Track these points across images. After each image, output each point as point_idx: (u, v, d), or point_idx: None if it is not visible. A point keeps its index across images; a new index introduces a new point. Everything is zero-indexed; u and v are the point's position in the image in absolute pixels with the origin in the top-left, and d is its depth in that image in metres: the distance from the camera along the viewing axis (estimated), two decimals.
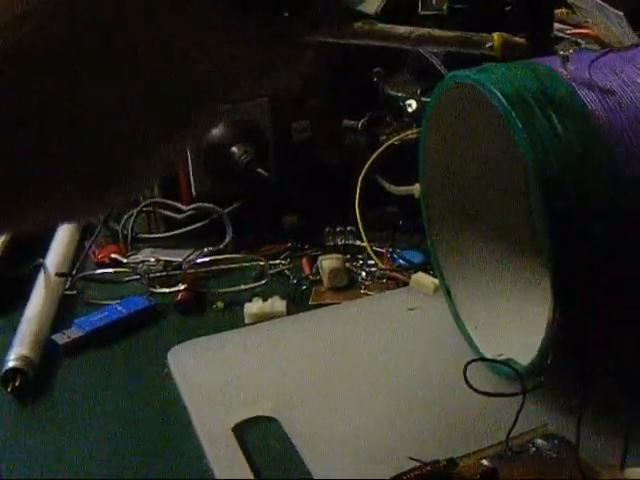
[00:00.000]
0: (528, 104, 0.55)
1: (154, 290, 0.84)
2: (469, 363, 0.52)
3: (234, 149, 0.87)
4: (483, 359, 0.54)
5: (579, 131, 0.54)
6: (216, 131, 0.88)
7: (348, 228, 0.86)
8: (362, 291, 0.81)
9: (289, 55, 0.40)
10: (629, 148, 0.54)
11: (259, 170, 0.86)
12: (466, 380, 0.51)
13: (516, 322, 0.65)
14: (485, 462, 0.57)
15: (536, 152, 0.53)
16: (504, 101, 0.55)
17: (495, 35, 0.52)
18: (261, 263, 0.83)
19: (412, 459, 0.50)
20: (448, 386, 0.59)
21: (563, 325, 0.53)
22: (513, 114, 0.54)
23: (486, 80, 0.57)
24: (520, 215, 0.67)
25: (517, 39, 0.53)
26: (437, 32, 0.49)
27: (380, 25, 0.46)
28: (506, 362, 0.54)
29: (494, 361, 0.54)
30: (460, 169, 0.68)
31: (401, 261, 0.83)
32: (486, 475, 0.51)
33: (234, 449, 0.62)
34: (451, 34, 0.50)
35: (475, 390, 0.51)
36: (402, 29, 0.48)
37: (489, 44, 0.54)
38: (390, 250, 0.84)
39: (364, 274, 0.83)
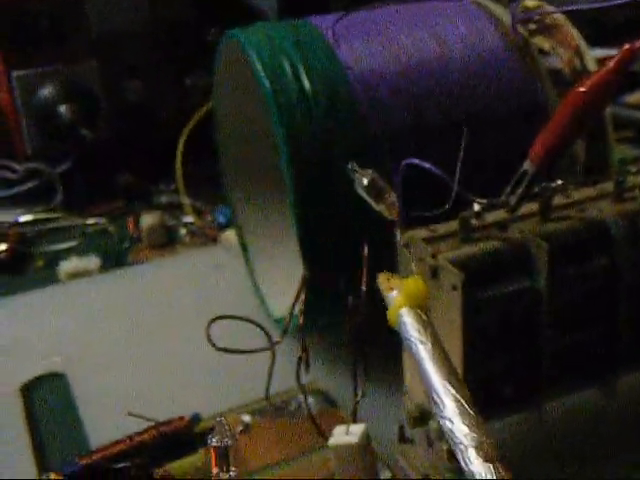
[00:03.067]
0: (280, 66, 0.55)
1: None
2: (213, 320, 0.52)
3: (61, 109, 0.87)
4: (227, 316, 0.54)
5: (328, 91, 0.55)
6: (45, 90, 0.88)
7: (172, 186, 0.86)
8: (180, 248, 0.81)
9: None
10: (376, 104, 0.55)
11: (82, 130, 0.85)
12: (208, 337, 0.51)
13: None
14: (246, 417, 0.58)
15: (281, 109, 0.53)
16: (257, 62, 0.55)
17: None
18: (83, 222, 0.83)
19: (133, 415, 0.50)
20: (228, 343, 0.58)
21: (312, 280, 0.53)
22: (262, 75, 0.54)
23: (246, 40, 0.57)
24: None
25: None
26: None
27: None
28: (247, 318, 0.54)
29: (234, 317, 0.54)
30: (247, 123, 0.68)
31: (222, 218, 0.83)
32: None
33: (17, 410, 0.62)
34: None
35: (215, 347, 0.51)
36: None
37: None
38: (211, 207, 0.84)
39: (184, 231, 0.83)
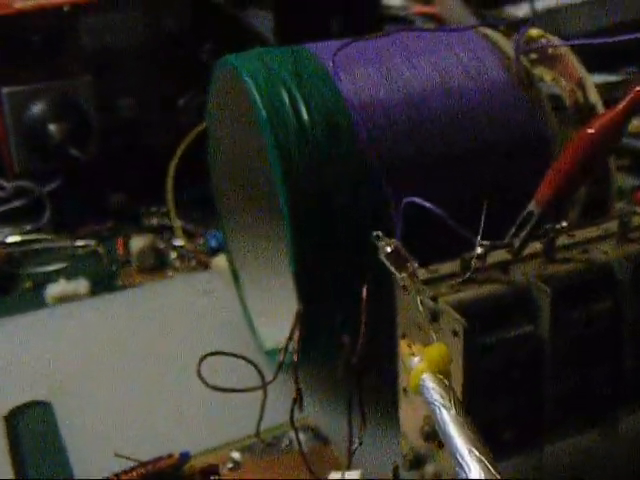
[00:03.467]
0: (278, 95, 0.54)
1: None
2: (205, 357, 0.51)
3: (51, 127, 0.86)
4: (220, 353, 0.53)
5: (327, 122, 0.53)
6: (35, 108, 0.86)
7: (163, 209, 0.85)
8: (170, 273, 0.80)
9: None
10: (376, 135, 0.54)
11: (71, 150, 0.84)
12: (199, 374, 0.50)
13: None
14: (236, 454, 0.57)
15: (278, 140, 0.52)
16: (254, 91, 0.54)
17: None
18: (72, 244, 0.82)
19: (120, 456, 0.48)
20: (217, 377, 0.56)
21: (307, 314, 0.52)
22: (260, 104, 0.53)
23: (243, 67, 0.56)
24: None
25: None
26: None
27: None
28: (239, 355, 0.53)
29: (227, 354, 0.53)
30: (242, 150, 0.67)
31: (213, 242, 0.81)
32: (207, 471, 0.50)
33: (0, 440, 0.60)
34: None
35: (207, 385, 0.50)
36: None
37: None
38: (203, 230, 0.83)
39: (175, 255, 0.81)
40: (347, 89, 0.55)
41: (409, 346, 0.42)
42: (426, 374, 0.40)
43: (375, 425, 0.55)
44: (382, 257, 0.45)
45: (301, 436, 0.57)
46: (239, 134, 0.66)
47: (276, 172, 0.52)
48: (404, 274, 0.45)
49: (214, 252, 0.81)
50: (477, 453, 0.37)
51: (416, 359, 0.41)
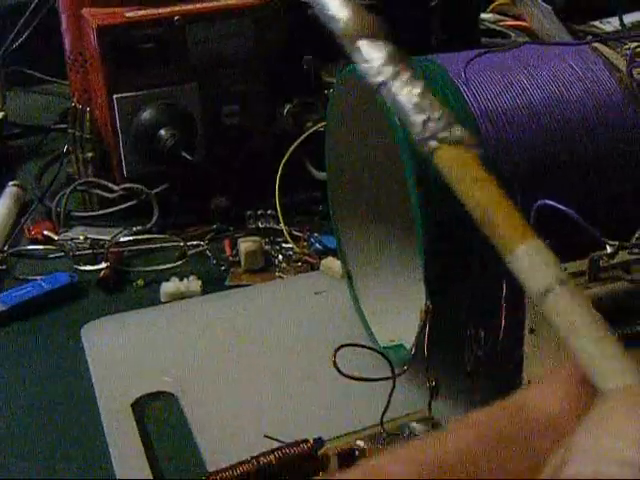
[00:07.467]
0: None
1: (78, 267, 0.86)
2: (340, 348, 0.54)
3: (162, 132, 0.90)
4: (352, 344, 0.56)
5: None
6: (145, 114, 0.90)
7: (269, 212, 0.88)
8: (277, 274, 0.83)
9: None
10: (504, 144, 0.57)
11: (183, 153, 0.88)
12: (334, 364, 0.53)
13: (411, 310, 0.67)
14: (360, 443, 0.60)
15: (413, 151, 0.55)
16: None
17: None
18: (181, 244, 0.85)
19: (270, 438, 0.52)
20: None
21: (435, 315, 0.55)
22: (396, 122, 0.56)
23: None
24: None
25: None
26: None
27: None
28: (373, 347, 0.56)
29: (363, 346, 0.56)
30: (363, 156, 0.70)
31: (318, 245, 0.85)
32: (344, 454, 0.53)
33: (130, 425, 0.64)
34: None
35: (342, 374, 0.53)
36: None
37: None
38: (308, 234, 0.86)
39: (280, 257, 0.85)
40: (473, 100, 0.58)
41: None
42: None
43: None
44: None
45: (420, 427, 0.60)
46: (361, 141, 0.70)
47: (410, 181, 0.56)
48: None
49: (320, 255, 0.84)
50: None
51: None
